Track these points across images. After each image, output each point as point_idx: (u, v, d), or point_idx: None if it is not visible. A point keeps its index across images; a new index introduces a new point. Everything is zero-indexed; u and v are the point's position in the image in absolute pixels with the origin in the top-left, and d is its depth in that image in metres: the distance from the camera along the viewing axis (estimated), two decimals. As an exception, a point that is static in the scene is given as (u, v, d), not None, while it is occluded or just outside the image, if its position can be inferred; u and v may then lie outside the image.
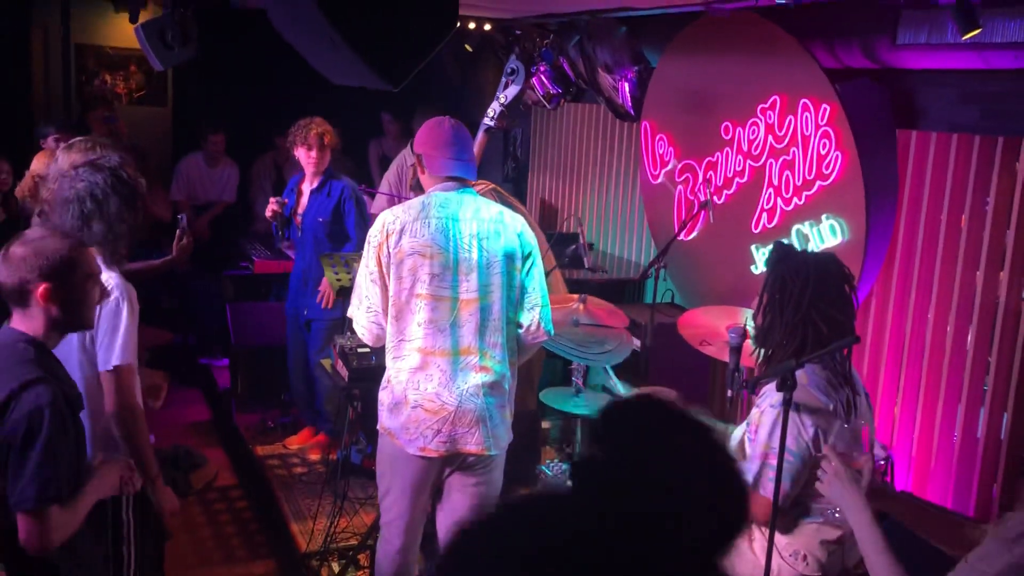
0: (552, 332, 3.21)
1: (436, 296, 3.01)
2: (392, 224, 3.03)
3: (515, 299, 3.12)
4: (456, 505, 3.19)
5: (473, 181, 3.21)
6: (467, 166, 3.15)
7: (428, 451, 3.04)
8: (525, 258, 3.13)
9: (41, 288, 2.31)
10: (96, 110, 6.62)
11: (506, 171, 7.51)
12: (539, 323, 3.14)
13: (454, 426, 3.03)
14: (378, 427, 3.16)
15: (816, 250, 3.36)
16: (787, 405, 2.49)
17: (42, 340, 2.37)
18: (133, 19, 6.08)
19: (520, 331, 3.15)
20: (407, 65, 2.10)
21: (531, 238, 3.17)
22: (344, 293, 4.23)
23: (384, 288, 3.04)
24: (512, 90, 3.94)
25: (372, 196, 6.10)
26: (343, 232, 5.00)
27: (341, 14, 2.01)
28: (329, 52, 2.17)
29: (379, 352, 3.30)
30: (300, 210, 5.05)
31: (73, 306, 2.38)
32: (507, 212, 3.16)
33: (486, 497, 3.19)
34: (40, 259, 2.31)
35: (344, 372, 3.87)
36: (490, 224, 3.07)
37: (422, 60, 2.12)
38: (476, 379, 3.04)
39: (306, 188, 5.07)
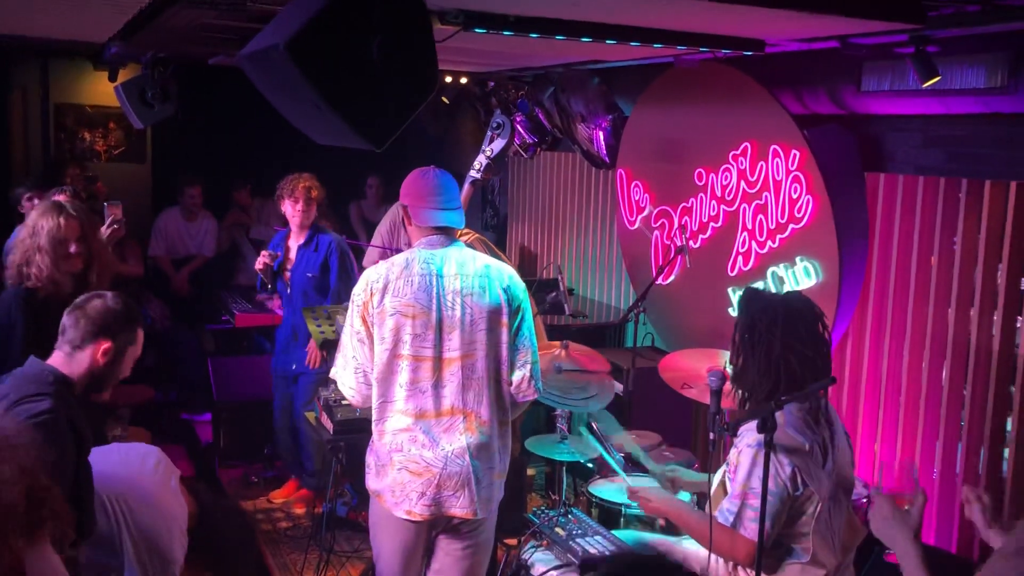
0: (542, 390, 3.13)
1: (417, 356, 2.93)
2: (376, 283, 2.96)
3: (502, 356, 3.00)
4: (447, 569, 3.10)
5: (461, 230, 3.17)
6: (454, 215, 3.05)
7: (413, 514, 2.96)
8: (514, 313, 3.02)
9: (105, 345, 2.63)
10: (72, 168, 6.66)
11: (484, 219, 7.60)
12: (529, 380, 3.04)
13: (439, 489, 2.94)
14: (367, 488, 3.11)
15: (786, 292, 3.43)
16: (768, 446, 2.53)
17: (71, 379, 2.60)
18: (112, 78, 6.15)
19: (510, 388, 3.05)
20: (390, 126, 2.16)
21: (521, 291, 3.06)
22: (328, 346, 4.24)
23: (372, 347, 2.97)
24: (498, 144, 3.98)
25: (355, 250, 6.16)
26: (330, 286, 5.03)
27: (323, 78, 2.06)
28: (312, 114, 2.23)
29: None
30: (288, 266, 5.07)
31: (112, 369, 2.68)
32: (494, 265, 3.06)
33: (476, 561, 3.12)
34: (116, 319, 2.67)
35: (329, 425, 3.88)
36: (475, 279, 2.98)
37: (405, 120, 2.18)
38: (461, 441, 2.94)
39: (293, 243, 5.09)
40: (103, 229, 4.05)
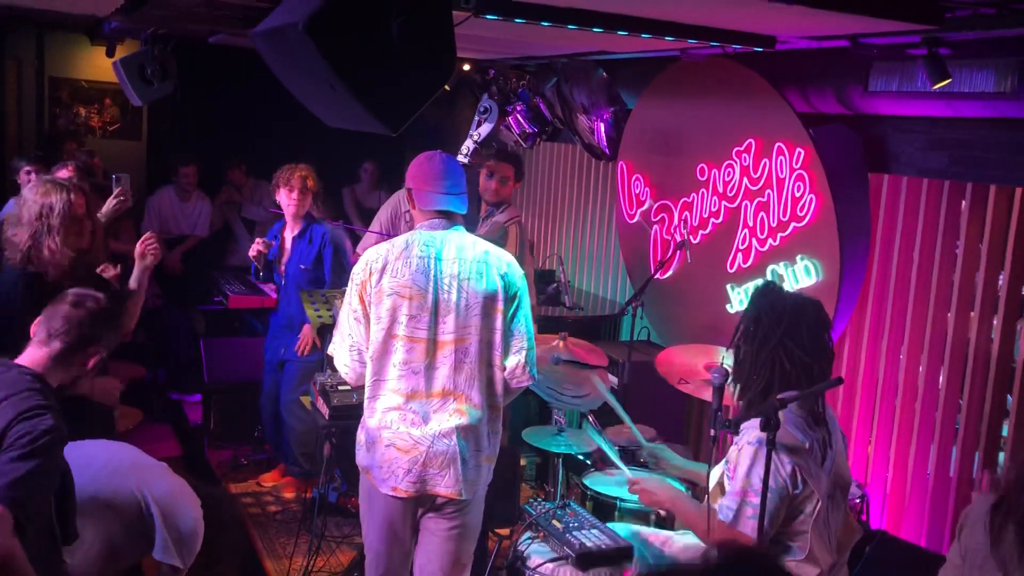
0: (536, 376, 3.15)
1: (412, 337, 2.97)
2: (375, 262, 3.00)
3: (496, 342, 3.03)
4: (432, 550, 3.12)
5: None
6: (457, 200, 3.09)
7: (399, 491, 3.00)
8: (510, 300, 3.05)
9: (98, 356, 2.59)
10: (69, 144, 6.59)
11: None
12: (524, 367, 3.06)
13: (425, 467, 2.98)
14: (358, 464, 3.13)
15: (800, 293, 3.42)
16: (771, 445, 2.53)
17: (46, 377, 2.50)
18: (110, 53, 6.08)
19: (504, 374, 3.07)
20: (407, 109, 2.14)
21: (518, 279, 3.09)
22: (326, 330, 4.22)
23: (368, 326, 3.01)
24: (485, 128, 4.03)
25: (351, 234, 6.13)
26: (324, 278, 5.00)
27: (342, 59, 2.03)
28: (326, 95, 2.20)
29: (361, 391, 3.27)
30: (284, 258, 5.04)
31: (89, 374, 2.64)
32: (493, 252, 3.09)
33: (462, 542, 3.13)
34: (109, 326, 2.63)
35: (324, 410, 3.85)
36: (473, 264, 3.02)
37: (422, 104, 2.15)
38: (450, 422, 2.98)
39: (288, 235, 5.06)
40: (109, 200, 4.04)
